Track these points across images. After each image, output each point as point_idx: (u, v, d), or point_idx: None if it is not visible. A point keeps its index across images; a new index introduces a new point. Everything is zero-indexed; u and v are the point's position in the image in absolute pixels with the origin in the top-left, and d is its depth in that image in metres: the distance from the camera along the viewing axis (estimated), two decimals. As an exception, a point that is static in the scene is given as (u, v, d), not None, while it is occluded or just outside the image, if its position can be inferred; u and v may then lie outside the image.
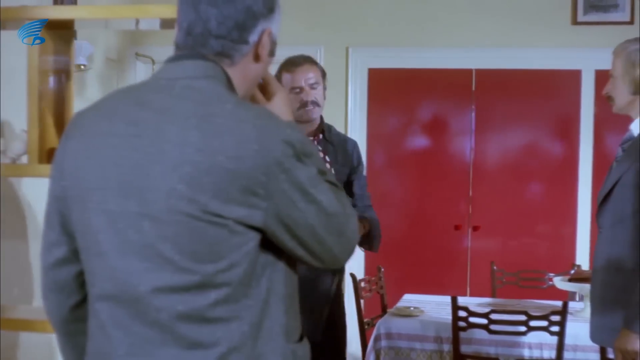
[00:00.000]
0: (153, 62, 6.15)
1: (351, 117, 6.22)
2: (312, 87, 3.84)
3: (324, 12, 6.23)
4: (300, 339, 1.95)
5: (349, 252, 1.92)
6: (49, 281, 1.94)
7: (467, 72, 6.20)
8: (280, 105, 2.05)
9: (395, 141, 6.37)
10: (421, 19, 6.15)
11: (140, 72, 6.26)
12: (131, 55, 6.24)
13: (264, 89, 2.06)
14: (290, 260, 1.86)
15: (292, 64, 3.90)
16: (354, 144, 4.10)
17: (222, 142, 1.69)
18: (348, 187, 4.00)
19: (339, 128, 5.88)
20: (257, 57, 1.88)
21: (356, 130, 6.17)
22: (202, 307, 1.75)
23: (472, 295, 5.93)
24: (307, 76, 3.86)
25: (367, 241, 4.00)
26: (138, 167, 1.73)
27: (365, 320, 4.86)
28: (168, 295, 1.74)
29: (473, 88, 6.22)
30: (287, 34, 6.11)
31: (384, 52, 6.22)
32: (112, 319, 1.81)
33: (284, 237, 1.79)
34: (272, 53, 1.93)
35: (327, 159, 3.90)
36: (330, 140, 3.96)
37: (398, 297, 5.08)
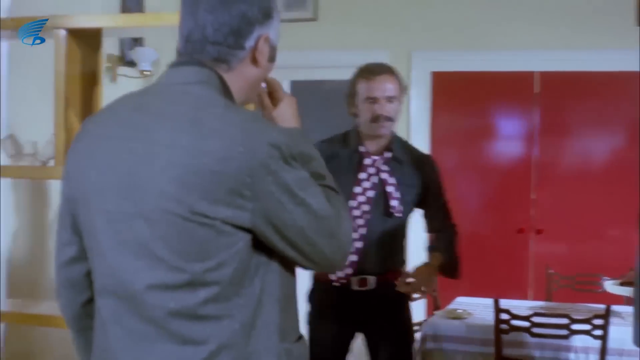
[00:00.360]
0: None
1: (414, 121, 6.23)
2: (388, 100, 3.57)
3: (388, 16, 6.25)
4: (299, 339, 1.98)
5: (342, 255, 1.94)
6: (61, 279, 2.01)
7: (530, 75, 6.17)
8: (285, 112, 2.11)
9: (459, 144, 6.36)
10: (484, 22, 6.12)
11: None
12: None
13: (272, 95, 2.12)
14: (286, 261, 1.89)
15: (370, 72, 3.64)
16: (430, 162, 3.79)
17: (209, 144, 1.74)
18: (422, 207, 3.78)
19: (401, 133, 5.93)
20: (255, 62, 1.92)
21: (419, 134, 6.18)
22: (192, 305, 1.79)
23: (535, 299, 5.87)
24: (385, 87, 3.57)
25: (444, 272, 3.76)
26: (133, 168, 1.80)
27: (418, 321, 4.89)
28: (161, 292, 1.79)
29: (537, 90, 6.18)
30: (351, 39, 6.19)
31: (448, 55, 6.21)
32: (111, 315, 1.88)
33: (274, 238, 1.82)
34: (272, 58, 1.97)
35: (391, 180, 3.61)
36: (399, 158, 3.65)
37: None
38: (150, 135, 1.80)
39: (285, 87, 6.58)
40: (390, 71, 3.64)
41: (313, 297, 3.80)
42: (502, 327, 4.06)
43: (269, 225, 1.80)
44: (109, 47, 5.29)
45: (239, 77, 1.92)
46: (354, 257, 3.59)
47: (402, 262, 3.78)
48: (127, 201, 1.80)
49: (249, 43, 1.89)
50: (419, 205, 3.75)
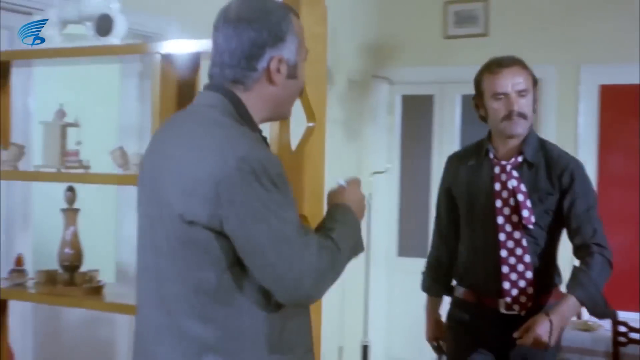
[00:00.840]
0: (391, 82, 6.54)
1: (582, 135, 6.17)
2: (520, 94, 3.24)
3: (556, 31, 6.26)
4: (304, 354, 2.14)
5: (305, 290, 1.99)
6: None
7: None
8: (347, 194, 2.30)
9: (629, 158, 6.22)
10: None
11: (378, 93, 6.64)
12: (371, 77, 6.63)
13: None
14: None
15: (497, 64, 3.32)
16: (568, 162, 3.32)
17: (193, 154, 2.01)
18: (560, 215, 3.29)
19: (568, 147, 5.87)
20: (271, 81, 2.14)
21: (587, 148, 6.12)
22: (187, 302, 2.03)
23: None
24: (515, 80, 3.25)
25: (588, 312, 3.31)
26: (155, 178, 2.13)
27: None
28: (167, 284, 2.07)
29: None
30: (520, 53, 6.23)
31: (617, 68, 6.13)
32: (143, 302, 2.20)
33: (241, 252, 1.98)
34: (292, 76, 2.17)
35: (521, 187, 3.26)
36: (531, 162, 3.30)
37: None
38: (166, 148, 2.12)
39: (457, 101, 6.72)
40: (518, 62, 3.33)
41: (455, 322, 3.52)
42: (619, 340, 4.05)
43: (235, 236, 1.96)
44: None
45: (257, 96, 2.15)
46: (513, 276, 3.28)
47: (553, 283, 3.38)
48: (151, 206, 2.13)
49: (262, 65, 2.12)
50: (559, 216, 3.29)
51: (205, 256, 2.00)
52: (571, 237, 3.28)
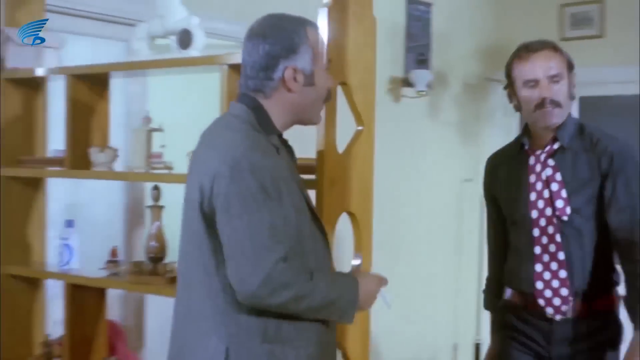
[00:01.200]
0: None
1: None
2: (552, 80, 2.99)
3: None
4: (301, 345, 2.28)
5: (248, 289, 2.13)
6: None
7: None
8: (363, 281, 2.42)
9: None
10: None
11: (494, 95, 6.71)
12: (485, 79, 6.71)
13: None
14: None
15: (526, 49, 3.06)
16: (608, 145, 3.02)
17: (207, 154, 2.31)
18: (602, 202, 3.01)
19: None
20: (288, 89, 2.39)
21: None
22: (201, 286, 2.29)
23: None
24: (547, 65, 3.00)
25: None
26: (188, 174, 2.45)
27: None
28: (190, 269, 2.35)
29: None
30: (636, 54, 6.19)
31: None
32: (179, 285, 2.47)
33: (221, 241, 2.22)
34: (309, 84, 2.39)
35: (556, 176, 3.03)
36: (567, 148, 3.05)
37: None
38: (196, 149, 2.44)
39: (574, 103, 6.71)
40: (549, 45, 3.06)
41: (500, 326, 3.34)
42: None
43: (219, 226, 2.21)
44: (395, 69, 5.89)
45: (277, 103, 2.40)
46: (546, 275, 3.06)
47: (611, 282, 3.13)
48: (185, 198, 2.42)
49: (277, 75, 2.37)
50: (600, 199, 3.02)
51: (209, 245, 2.25)
52: (612, 232, 3.01)
